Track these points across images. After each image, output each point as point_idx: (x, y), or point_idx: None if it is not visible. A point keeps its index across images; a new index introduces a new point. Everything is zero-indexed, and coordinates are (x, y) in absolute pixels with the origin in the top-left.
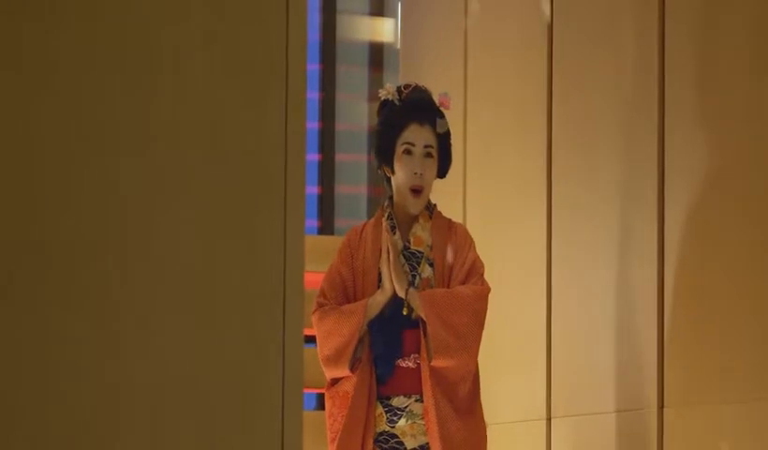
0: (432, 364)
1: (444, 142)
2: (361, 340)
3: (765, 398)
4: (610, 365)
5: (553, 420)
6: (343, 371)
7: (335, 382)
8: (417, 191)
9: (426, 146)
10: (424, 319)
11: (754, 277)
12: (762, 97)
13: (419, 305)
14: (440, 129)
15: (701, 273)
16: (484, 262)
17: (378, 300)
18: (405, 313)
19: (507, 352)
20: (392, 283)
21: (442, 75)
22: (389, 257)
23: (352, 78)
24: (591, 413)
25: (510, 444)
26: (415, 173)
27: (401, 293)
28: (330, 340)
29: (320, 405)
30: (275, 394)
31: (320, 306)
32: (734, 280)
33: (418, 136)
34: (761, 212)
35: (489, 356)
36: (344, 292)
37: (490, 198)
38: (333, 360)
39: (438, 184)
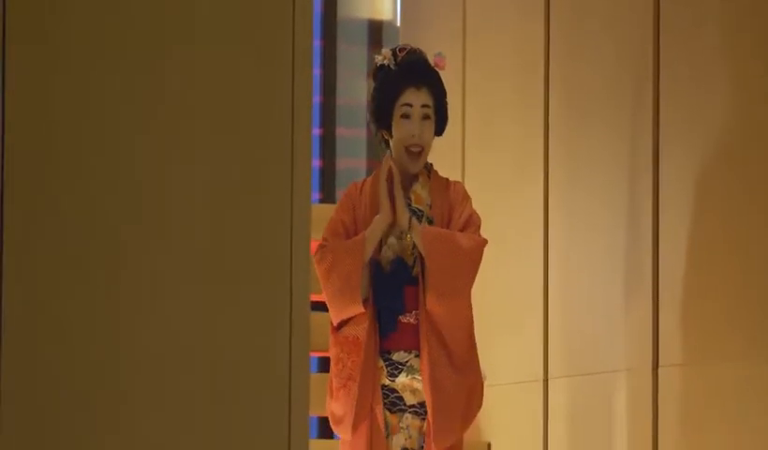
0: (428, 306)
1: (440, 101)
2: (366, 270)
3: (760, 357)
4: (605, 326)
5: (549, 381)
6: (354, 304)
7: (340, 326)
8: (415, 153)
9: (423, 106)
10: (423, 253)
11: (750, 235)
12: (757, 63)
13: (419, 238)
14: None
15: (696, 234)
16: (483, 230)
17: (378, 224)
18: (408, 240)
19: (504, 315)
20: (390, 207)
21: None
22: (388, 184)
23: (352, 55)
24: (587, 374)
25: (508, 405)
26: (413, 136)
27: (404, 221)
28: (333, 273)
29: (321, 368)
30: (283, 356)
31: (321, 247)
32: (730, 239)
33: (414, 99)
34: (758, 171)
35: (487, 320)
36: (346, 237)
37: (488, 169)
38: (340, 294)
39: (438, 156)
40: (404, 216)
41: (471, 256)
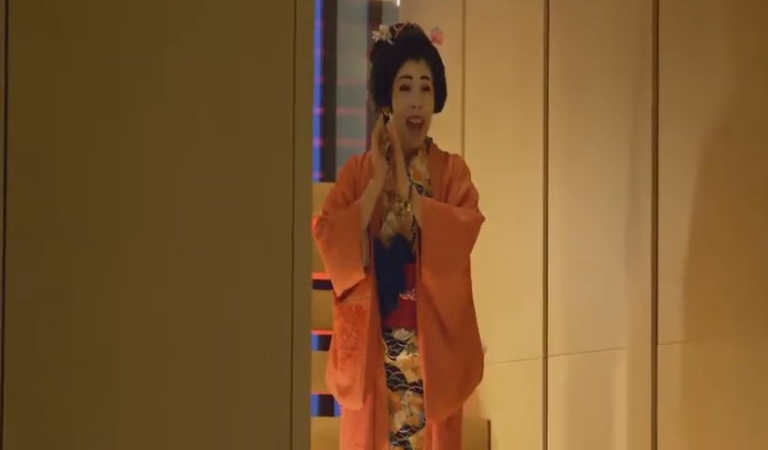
0: (423, 279)
1: (439, 75)
2: (365, 237)
3: (759, 335)
4: (605, 304)
5: (549, 358)
6: (355, 271)
7: (344, 297)
8: (416, 125)
9: (423, 78)
10: (420, 224)
11: (749, 213)
12: (758, 41)
13: (418, 208)
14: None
15: (695, 211)
16: (483, 208)
17: (372, 187)
18: (408, 210)
19: (505, 293)
20: (384, 169)
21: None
22: (379, 145)
23: (352, 35)
24: (586, 352)
25: (508, 383)
26: (414, 106)
27: (404, 190)
28: (333, 243)
29: (321, 346)
30: (285, 334)
31: (321, 221)
32: (729, 217)
33: (414, 71)
34: (757, 150)
35: (487, 298)
36: None
37: (489, 148)
38: (341, 264)
39: (438, 135)
40: (404, 184)
41: (468, 230)
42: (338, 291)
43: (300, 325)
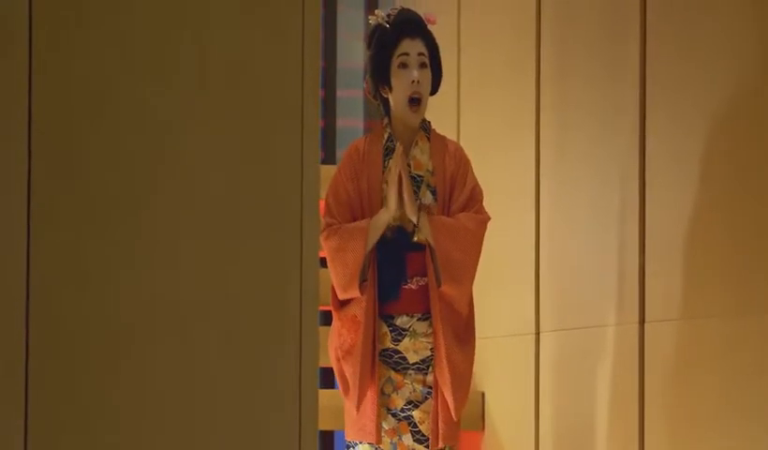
0: (442, 289)
1: (435, 54)
2: (367, 257)
3: (745, 313)
4: (594, 282)
5: (541, 334)
6: (351, 290)
7: (344, 303)
8: (416, 101)
9: (420, 54)
10: (433, 246)
11: (735, 191)
12: (742, 23)
13: (428, 231)
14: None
15: (681, 190)
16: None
17: (383, 219)
18: (416, 240)
19: (498, 271)
20: (396, 202)
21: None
22: (395, 176)
23: (350, 18)
24: (577, 328)
25: (502, 357)
26: (413, 81)
27: (413, 217)
28: (337, 255)
29: (323, 321)
30: (294, 308)
31: (328, 225)
32: (715, 195)
33: (411, 48)
34: (743, 132)
35: (482, 276)
36: (350, 210)
37: (483, 130)
38: (342, 277)
39: (434, 119)
40: (413, 211)
41: (477, 237)
42: (340, 297)
43: (308, 300)
